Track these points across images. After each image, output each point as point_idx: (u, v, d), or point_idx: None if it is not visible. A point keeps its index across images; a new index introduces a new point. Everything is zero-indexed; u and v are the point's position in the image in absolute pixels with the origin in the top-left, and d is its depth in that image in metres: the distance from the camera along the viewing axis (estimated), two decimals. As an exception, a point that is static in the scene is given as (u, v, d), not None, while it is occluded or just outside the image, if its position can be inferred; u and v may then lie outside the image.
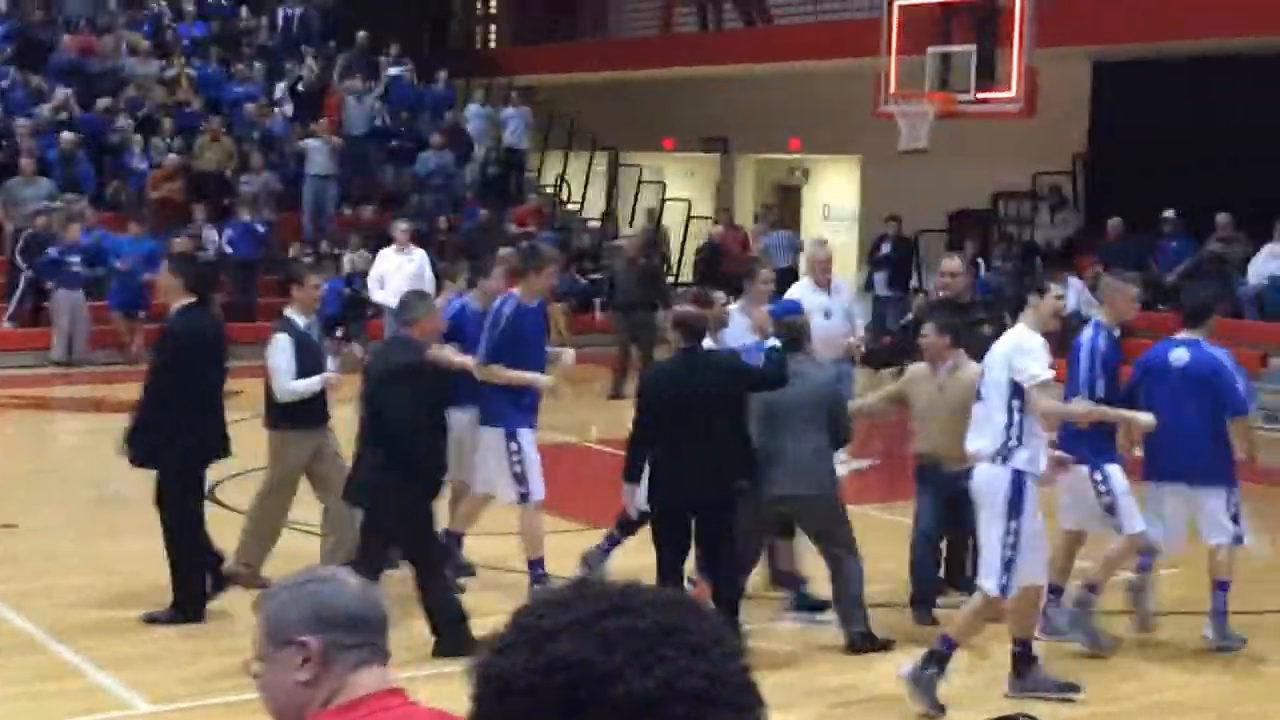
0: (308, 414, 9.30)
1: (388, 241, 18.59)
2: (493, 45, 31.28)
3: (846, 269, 24.37)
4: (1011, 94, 16.77)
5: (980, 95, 16.88)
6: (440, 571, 8.45)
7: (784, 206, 28.92)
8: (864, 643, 8.53)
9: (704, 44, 26.25)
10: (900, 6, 17.66)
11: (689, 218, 26.18)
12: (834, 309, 11.05)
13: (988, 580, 7.63)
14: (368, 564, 7.91)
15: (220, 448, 9.01)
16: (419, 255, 17.48)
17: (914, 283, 22.16)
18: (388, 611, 2.85)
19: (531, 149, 27.07)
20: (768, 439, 8.53)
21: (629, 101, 28.04)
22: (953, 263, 10.59)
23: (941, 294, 10.52)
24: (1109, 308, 8.74)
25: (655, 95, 27.65)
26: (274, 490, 9.44)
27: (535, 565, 9.35)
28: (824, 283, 11.11)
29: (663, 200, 26.67)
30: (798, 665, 8.40)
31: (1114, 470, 8.52)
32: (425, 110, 26.37)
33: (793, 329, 8.75)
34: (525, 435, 9.31)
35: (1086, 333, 8.59)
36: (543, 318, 9.85)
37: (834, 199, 28.46)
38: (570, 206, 27.47)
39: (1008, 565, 7.52)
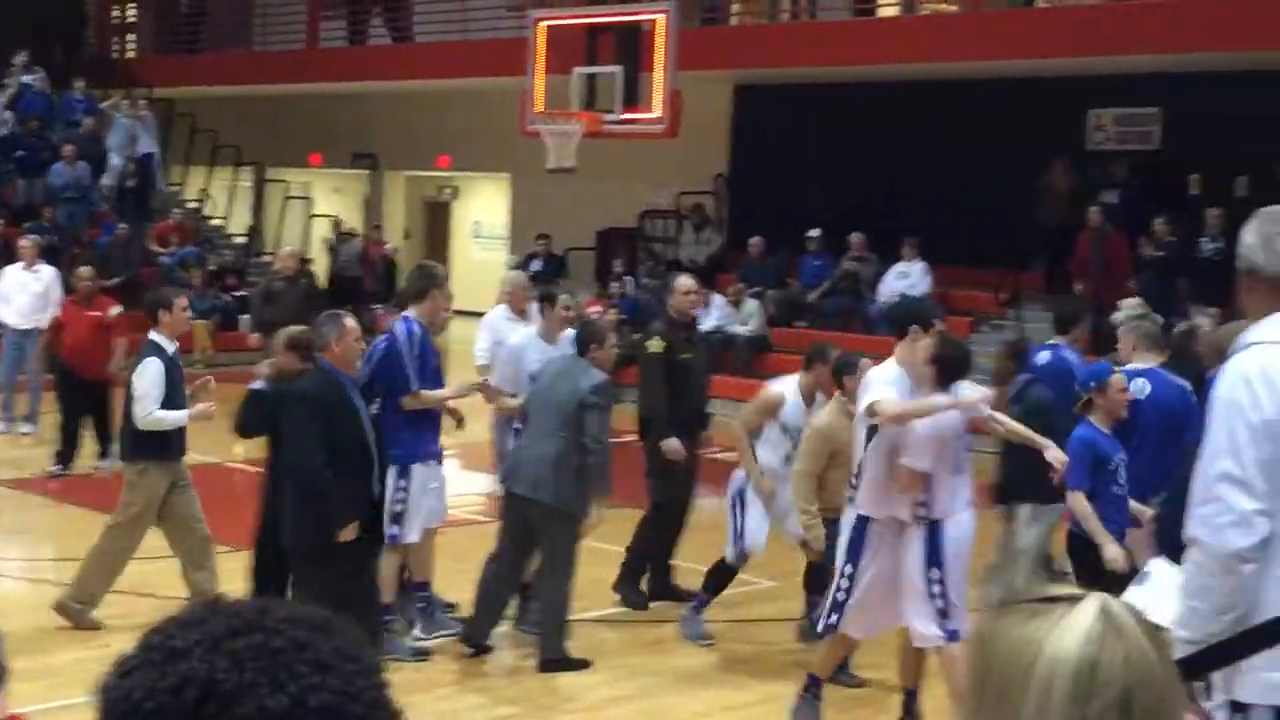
0: (170, 445, 8.94)
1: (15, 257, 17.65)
2: (131, 55, 30.17)
3: (497, 286, 24.49)
4: (656, 115, 16.89)
5: (625, 116, 16.97)
6: None
7: (434, 223, 28.77)
8: (555, 667, 8.49)
9: (350, 59, 25.89)
10: (546, 27, 17.68)
11: (338, 235, 25.71)
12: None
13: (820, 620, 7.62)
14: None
15: None
16: (47, 272, 16.60)
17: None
18: None
19: (174, 163, 26.21)
20: (524, 435, 8.51)
21: (275, 116, 27.46)
22: (689, 280, 10.36)
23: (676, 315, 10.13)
24: None
25: (302, 110, 27.15)
26: (130, 525, 8.94)
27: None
28: (520, 312, 10.78)
29: (310, 217, 26.26)
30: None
31: None
32: (58, 120, 25.27)
33: (590, 328, 8.72)
34: (419, 470, 8.72)
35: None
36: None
37: (484, 216, 28.61)
38: (214, 222, 26.70)
39: (838, 606, 7.38)
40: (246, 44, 28.26)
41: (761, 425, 8.89)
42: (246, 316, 23.26)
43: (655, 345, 9.84)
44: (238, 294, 23.47)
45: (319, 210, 26.87)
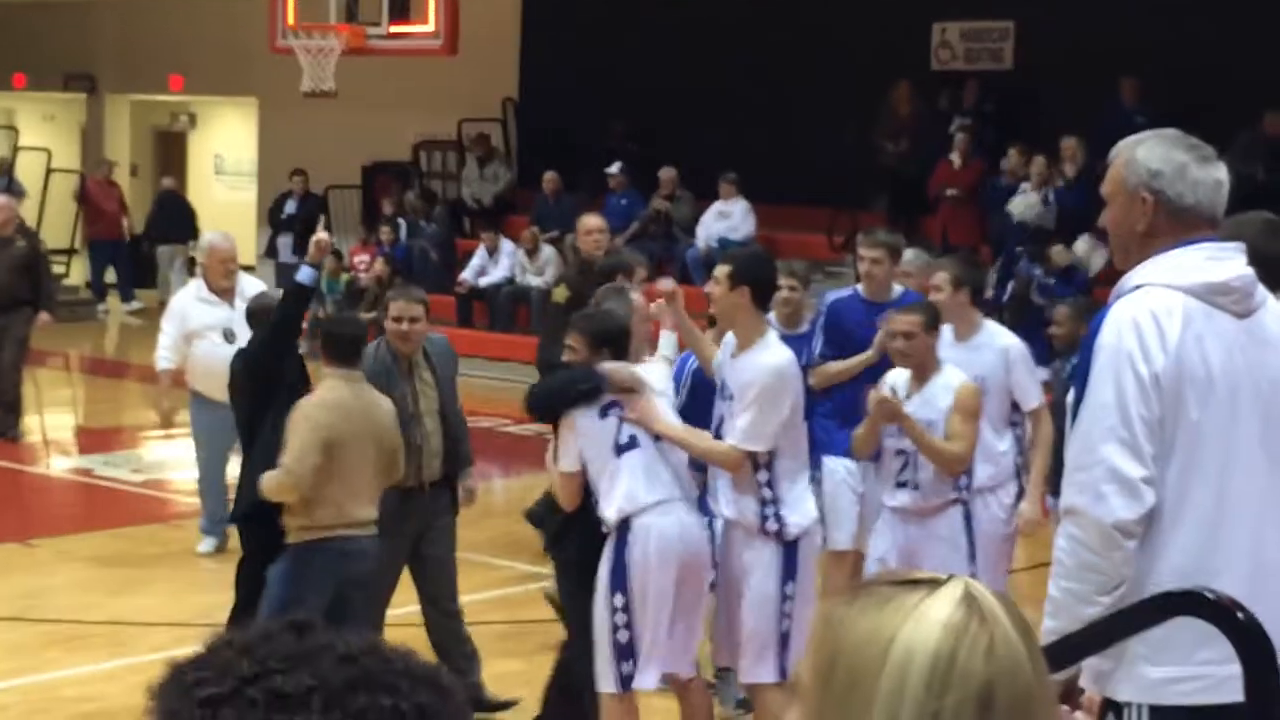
0: None
1: None
2: None
3: (246, 231, 22.57)
4: (430, 29, 16.15)
5: (394, 29, 16.22)
6: None
7: (167, 156, 27.08)
8: None
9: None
10: (300, -75, 16.98)
11: (49, 170, 23.94)
12: (237, 323, 9.28)
13: None
14: None
15: None
16: None
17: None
18: None
19: None
20: None
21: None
22: (595, 220, 9.40)
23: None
24: None
25: (3, 24, 24.97)
26: None
27: None
28: (222, 289, 9.55)
29: (15, 149, 24.26)
30: None
31: None
32: None
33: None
34: None
35: None
36: None
37: (227, 149, 27.22)
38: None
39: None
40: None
41: None
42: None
43: (559, 293, 9.04)
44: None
45: (26, 141, 24.76)
